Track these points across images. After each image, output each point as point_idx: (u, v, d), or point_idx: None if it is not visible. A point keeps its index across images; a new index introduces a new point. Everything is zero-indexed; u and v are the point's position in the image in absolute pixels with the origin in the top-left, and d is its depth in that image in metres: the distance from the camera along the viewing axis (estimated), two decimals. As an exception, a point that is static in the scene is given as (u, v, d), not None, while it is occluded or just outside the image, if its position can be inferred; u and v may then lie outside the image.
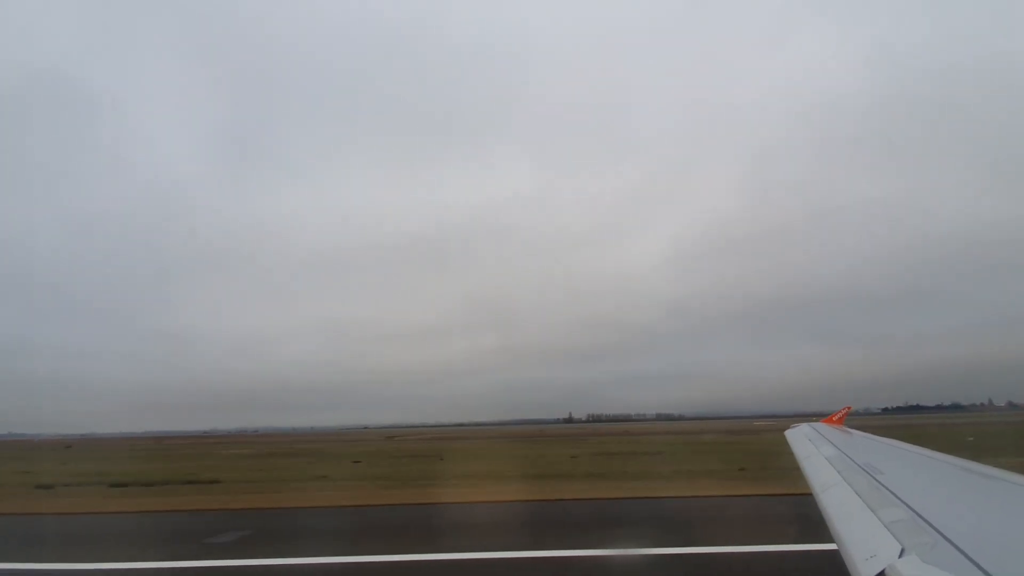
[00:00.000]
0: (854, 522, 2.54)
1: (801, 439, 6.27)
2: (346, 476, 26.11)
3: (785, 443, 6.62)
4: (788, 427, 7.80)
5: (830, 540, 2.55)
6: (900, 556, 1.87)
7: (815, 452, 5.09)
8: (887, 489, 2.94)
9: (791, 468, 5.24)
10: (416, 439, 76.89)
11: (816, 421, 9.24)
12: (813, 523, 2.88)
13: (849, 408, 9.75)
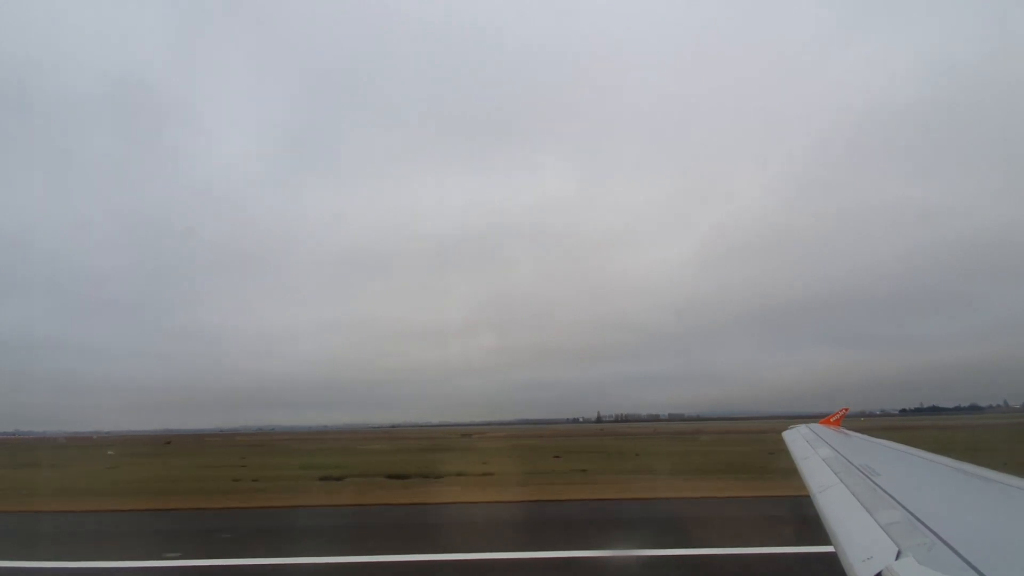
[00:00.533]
0: (851, 524, 2.54)
1: (799, 440, 6.28)
2: (601, 470, 25.71)
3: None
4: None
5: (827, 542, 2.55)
6: (897, 558, 1.88)
7: (812, 453, 5.10)
8: (884, 491, 2.95)
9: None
10: (497, 437, 74.26)
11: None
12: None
13: (847, 409, 9.76)
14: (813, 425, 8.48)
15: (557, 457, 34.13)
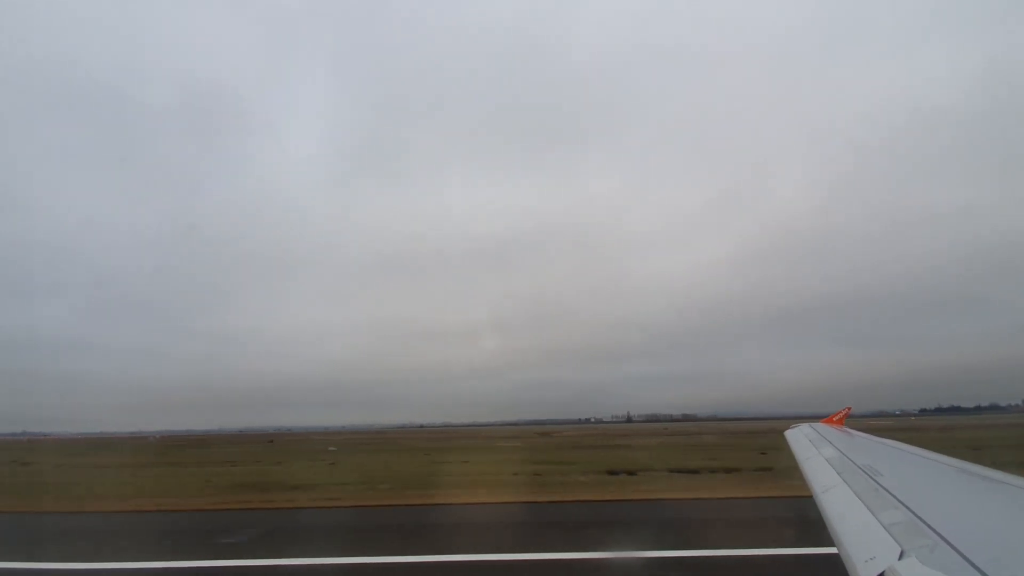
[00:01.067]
0: (854, 524, 2.54)
1: (801, 440, 6.26)
2: (763, 467, 24.98)
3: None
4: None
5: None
6: (899, 558, 1.87)
7: (815, 453, 5.08)
8: (887, 491, 2.94)
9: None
10: (585, 435, 73.59)
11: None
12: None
13: (849, 408, 9.72)
14: (816, 424, 8.45)
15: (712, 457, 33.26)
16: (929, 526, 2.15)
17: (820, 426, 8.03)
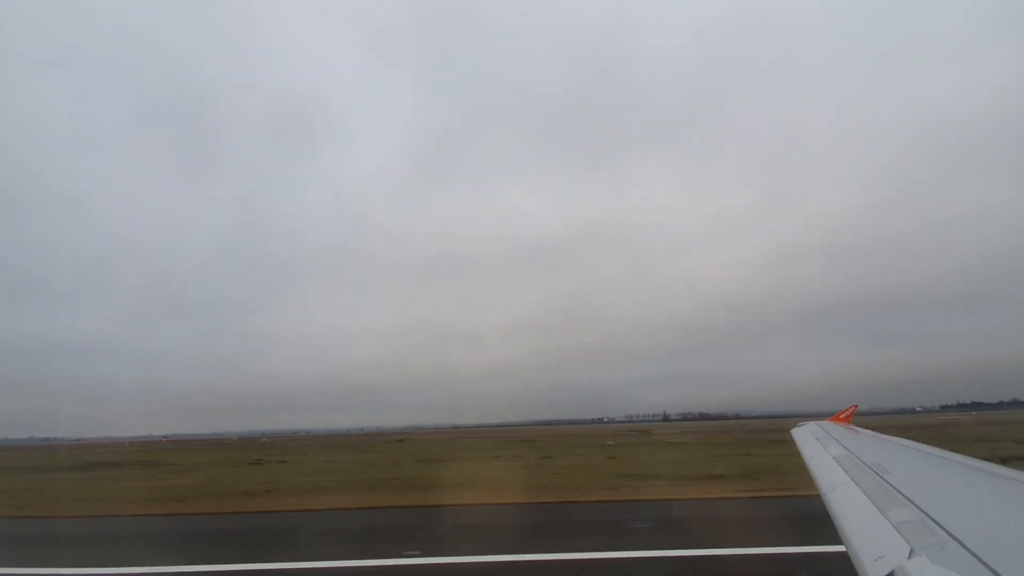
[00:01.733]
0: (862, 522, 2.52)
1: (808, 438, 6.23)
2: None
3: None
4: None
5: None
6: (909, 557, 1.86)
7: (822, 451, 5.06)
8: (895, 489, 2.92)
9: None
10: (686, 433, 73.17)
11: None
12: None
13: (856, 406, 9.67)
14: (823, 422, 8.41)
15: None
16: (939, 524, 2.13)
17: (827, 424, 7.99)
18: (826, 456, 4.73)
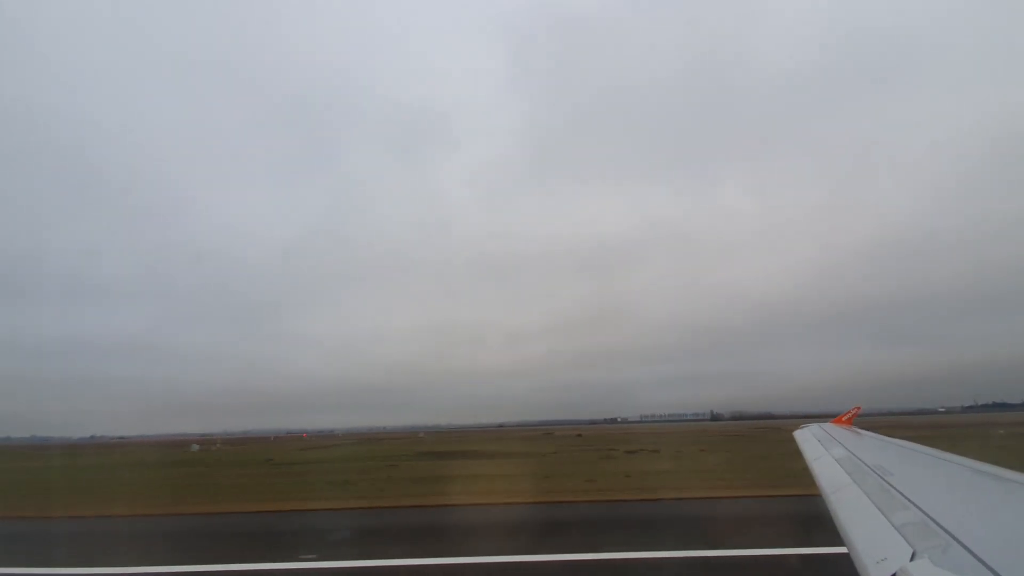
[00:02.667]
0: (864, 524, 2.52)
1: (810, 440, 6.23)
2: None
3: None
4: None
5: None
6: (911, 559, 1.86)
7: (824, 453, 5.06)
8: (898, 491, 2.92)
9: None
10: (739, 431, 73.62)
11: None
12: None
13: (859, 408, 9.66)
14: (825, 424, 8.40)
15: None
16: (941, 526, 2.13)
17: (829, 426, 7.98)
18: (828, 458, 4.73)
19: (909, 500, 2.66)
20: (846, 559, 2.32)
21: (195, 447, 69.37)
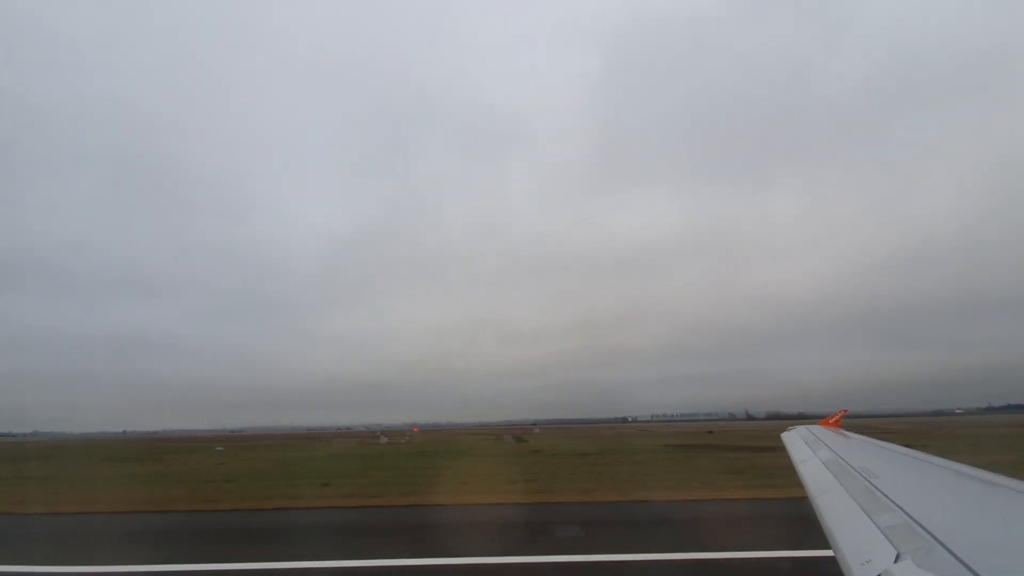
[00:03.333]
0: (850, 526, 2.54)
1: (797, 442, 6.26)
2: None
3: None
4: None
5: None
6: (896, 561, 1.88)
7: (811, 455, 5.09)
8: (883, 493, 2.94)
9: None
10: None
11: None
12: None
13: (845, 411, 9.72)
14: (812, 427, 8.46)
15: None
16: (925, 529, 2.15)
17: (816, 428, 8.03)
18: (815, 460, 4.75)
19: (894, 502, 2.68)
20: (832, 562, 2.33)
21: (383, 439, 69.37)
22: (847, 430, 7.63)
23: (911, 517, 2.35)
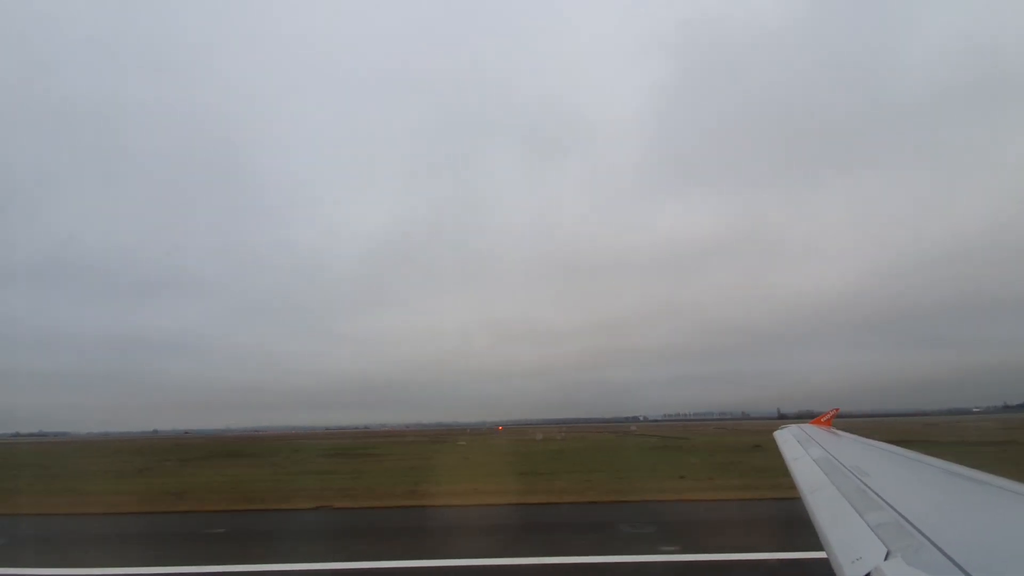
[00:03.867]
0: (841, 525, 2.55)
1: (789, 441, 6.30)
2: None
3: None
4: None
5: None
6: (886, 559, 1.89)
7: (803, 454, 5.12)
8: (874, 492, 2.96)
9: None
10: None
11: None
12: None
13: (837, 410, 9.79)
14: (804, 425, 8.51)
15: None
16: (915, 527, 2.16)
17: (808, 427, 8.08)
18: (807, 459, 4.78)
19: (884, 501, 2.70)
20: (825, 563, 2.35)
21: (539, 436, 68.77)
22: (858, 431, 7.68)
23: (902, 515, 2.37)
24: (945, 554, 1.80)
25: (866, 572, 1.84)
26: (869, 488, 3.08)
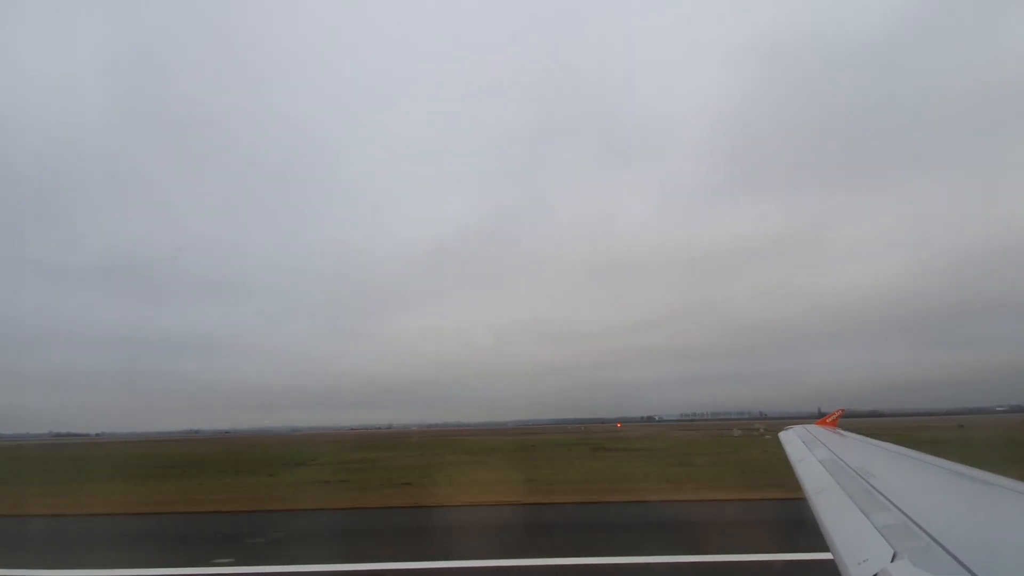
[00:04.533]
0: (846, 526, 2.54)
1: (795, 441, 6.28)
2: None
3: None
4: None
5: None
6: (892, 560, 1.88)
7: (808, 455, 5.10)
8: (880, 493, 2.95)
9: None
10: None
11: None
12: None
13: (843, 410, 9.76)
14: (809, 426, 8.48)
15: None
16: (921, 528, 2.15)
17: (814, 428, 8.05)
18: (812, 460, 4.76)
19: (891, 502, 2.68)
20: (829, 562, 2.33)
21: (736, 431, 69.48)
22: (887, 431, 7.65)
23: (908, 516, 2.35)
24: (952, 555, 1.79)
25: (872, 574, 1.83)
26: (875, 489, 3.06)
